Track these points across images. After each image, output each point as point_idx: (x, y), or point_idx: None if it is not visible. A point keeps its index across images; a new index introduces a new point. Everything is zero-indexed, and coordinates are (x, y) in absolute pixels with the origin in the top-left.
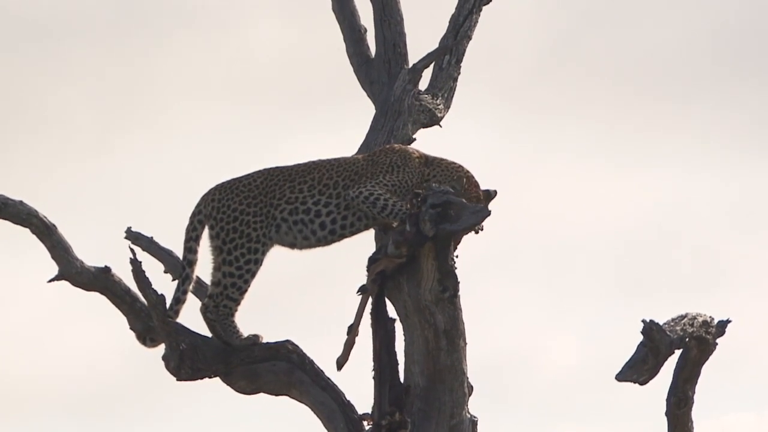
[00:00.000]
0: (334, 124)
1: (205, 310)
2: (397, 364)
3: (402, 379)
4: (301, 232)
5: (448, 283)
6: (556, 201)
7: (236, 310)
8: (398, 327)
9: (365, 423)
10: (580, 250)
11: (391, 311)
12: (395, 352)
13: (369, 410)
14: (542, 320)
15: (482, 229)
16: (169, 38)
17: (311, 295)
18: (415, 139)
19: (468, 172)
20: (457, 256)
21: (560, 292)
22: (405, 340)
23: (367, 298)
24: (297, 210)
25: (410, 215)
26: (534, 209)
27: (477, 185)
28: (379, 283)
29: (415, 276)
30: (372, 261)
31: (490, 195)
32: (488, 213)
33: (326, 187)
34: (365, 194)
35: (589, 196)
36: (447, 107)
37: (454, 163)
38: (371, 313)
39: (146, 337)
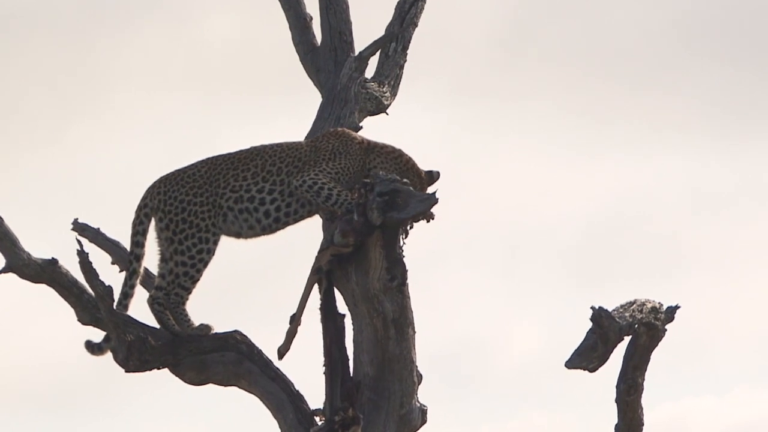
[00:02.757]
0: (282, 113)
1: (152, 301)
2: (348, 359)
3: (351, 369)
4: (246, 221)
5: (397, 271)
6: (509, 188)
7: (187, 299)
8: (347, 318)
9: (317, 419)
10: (537, 237)
11: (340, 301)
12: (346, 347)
13: (320, 404)
14: (500, 308)
15: (433, 218)
16: (119, 28)
17: (260, 285)
18: (361, 127)
19: (409, 157)
20: (405, 244)
21: (517, 280)
22: (354, 330)
23: (311, 288)
24: (242, 198)
25: (358, 204)
26: (487, 197)
27: (418, 172)
28: (326, 275)
29: (363, 265)
30: (319, 252)
31: (432, 177)
32: (436, 200)
33: (270, 174)
34: (309, 183)
35: (543, 183)
36: (393, 95)
37: (395, 149)
38: (320, 308)
39: (94, 346)
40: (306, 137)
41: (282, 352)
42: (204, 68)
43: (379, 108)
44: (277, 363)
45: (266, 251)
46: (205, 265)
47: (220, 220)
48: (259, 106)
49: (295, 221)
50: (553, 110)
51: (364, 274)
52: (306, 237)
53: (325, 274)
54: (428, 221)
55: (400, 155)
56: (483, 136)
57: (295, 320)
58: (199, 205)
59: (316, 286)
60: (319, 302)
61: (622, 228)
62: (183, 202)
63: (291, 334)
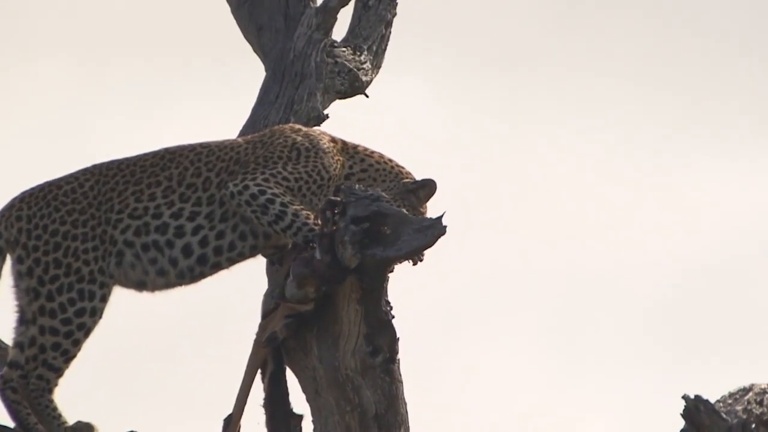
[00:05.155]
0: (202, 94)
1: (3, 385)
2: None
3: None
4: (154, 264)
5: (382, 340)
6: (552, 214)
7: (56, 384)
8: (307, 415)
9: None
10: (596, 288)
11: (294, 389)
12: None
13: None
14: (543, 396)
15: (422, 259)
16: None
17: (174, 366)
18: (327, 117)
19: (409, 172)
20: (391, 307)
21: (569, 353)
22: (314, 430)
23: (254, 373)
24: (147, 228)
25: (322, 236)
26: (519, 226)
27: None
28: (275, 352)
29: (330, 331)
30: (264, 315)
31: (430, 189)
32: (443, 229)
33: (191, 188)
34: (253, 191)
35: (604, 206)
36: (376, 67)
37: (386, 158)
38: (265, 402)
39: None
40: (241, 132)
41: None
42: (83, 28)
43: (355, 87)
44: None
45: (186, 311)
46: (87, 333)
47: (113, 263)
48: (168, 84)
49: (232, 262)
50: (617, 95)
51: (332, 346)
52: (248, 287)
53: (275, 350)
54: (415, 263)
55: (396, 165)
56: (509, 132)
57: (231, 424)
58: (81, 240)
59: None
60: (263, 394)
61: (728, 274)
62: (56, 235)
63: None
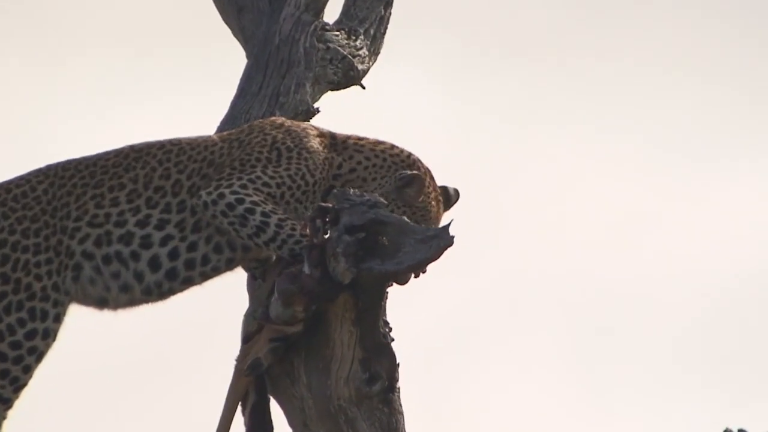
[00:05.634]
0: (176, 85)
1: None
2: None
3: None
4: (117, 278)
5: (380, 366)
6: (565, 216)
7: (5, 417)
8: None
9: None
10: (616, 303)
11: (280, 421)
12: None
13: None
14: (555, 426)
15: (425, 272)
16: None
17: (140, 395)
18: (318, 111)
19: (418, 160)
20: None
21: (583, 378)
22: None
23: (236, 405)
24: (109, 237)
25: (311, 247)
26: (529, 231)
27: (434, 185)
28: (258, 381)
29: (321, 355)
30: (245, 339)
31: (449, 197)
32: (450, 240)
33: (159, 192)
34: (229, 200)
35: (626, 208)
36: (374, 53)
37: (386, 145)
38: None
39: None
40: (220, 128)
41: None
42: (37, 11)
43: (349, 76)
44: None
45: (153, 332)
46: (39, 358)
47: (69, 278)
48: (134, 75)
49: (205, 278)
50: (648, 88)
51: (323, 372)
52: (227, 305)
53: (258, 378)
54: (417, 276)
55: (399, 152)
56: (523, 130)
57: None
58: (33, 252)
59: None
60: (245, 428)
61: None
62: (3, 245)
63: None
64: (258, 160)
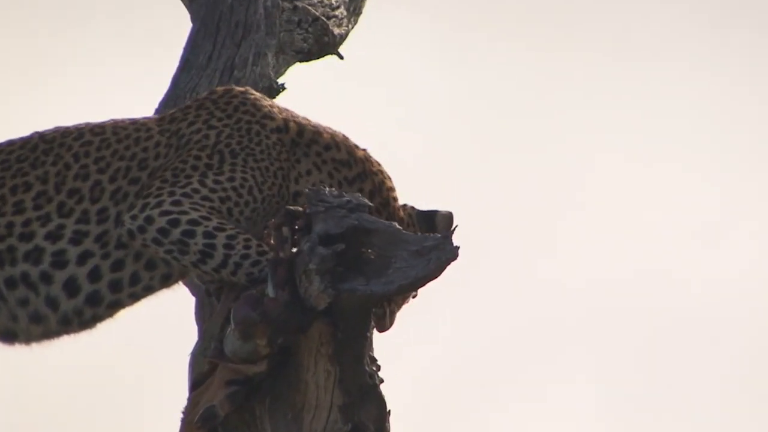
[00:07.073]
0: (114, 55)
1: None
2: None
3: None
4: (26, 305)
5: (365, 414)
6: (597, 220)
7: None
8: None
9: None
10: (664, 330)
11: None
12: None
13: None
14: None
15: (415, 296)
16: None
17: None
18: (283, 88)
19: (379, 167)
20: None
21: (620, 422)
22: None
23: None
24: (12, 254)
25: (276, 263)
26: (551, 241)
27: (393, 197)
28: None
29: (291, 401)
30: (195, 383)
31: (446, 221)
32: (453, 253)
33: (74, 196)
34: (160, 224)
35: (674, 213)
36: (354, 14)
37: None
38: None
39: None
40: (161, 105)
41: None
42: None
43: (323, 43)
44: None
45: (80, 369)
46: None
47: None
48: (56, 41)
49: (136, 299)
50: (704, 67)
51: (293, 423)
52: (171, 334)
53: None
54: (412, 297)
55: (370, 162)
56: (539, 110)
57: None
58: None
59: None
60: None
61: None
62: None
63: None
64: (194, 168)
